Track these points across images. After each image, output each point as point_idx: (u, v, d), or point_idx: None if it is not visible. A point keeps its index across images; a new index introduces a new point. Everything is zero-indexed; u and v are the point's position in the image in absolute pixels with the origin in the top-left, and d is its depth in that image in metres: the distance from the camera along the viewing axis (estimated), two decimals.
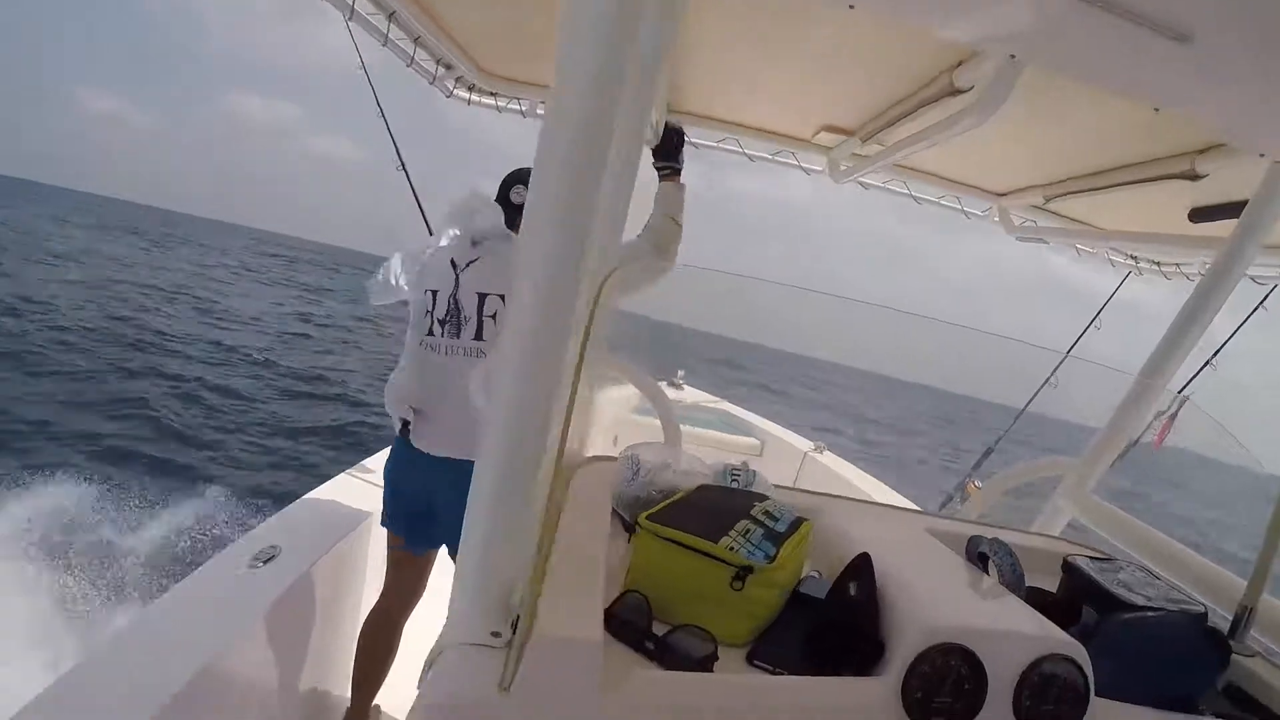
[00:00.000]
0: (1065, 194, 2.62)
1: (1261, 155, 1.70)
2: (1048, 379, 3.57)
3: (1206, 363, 3.01)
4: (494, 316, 2.29)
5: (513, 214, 2.35)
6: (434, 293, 2.34)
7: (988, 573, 1.38)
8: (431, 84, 2.83)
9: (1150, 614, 1.28)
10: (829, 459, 4.66)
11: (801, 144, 2.94)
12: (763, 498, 1.38)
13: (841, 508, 1.67)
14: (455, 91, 3.00)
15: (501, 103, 3.05)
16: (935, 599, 1.16)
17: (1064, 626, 1.17)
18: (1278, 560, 1.40)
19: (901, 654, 1.03)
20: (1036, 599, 1.39)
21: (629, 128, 1.15)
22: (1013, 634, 1.08)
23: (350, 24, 2.42)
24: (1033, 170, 2.71)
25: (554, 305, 0.90)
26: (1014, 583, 1.34)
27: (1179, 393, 3.04)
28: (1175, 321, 2.00)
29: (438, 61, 2.72)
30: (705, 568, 1.16)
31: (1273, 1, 1.04)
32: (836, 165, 2.93)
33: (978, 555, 1.42)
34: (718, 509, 1.29)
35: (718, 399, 5.77)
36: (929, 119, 2.00)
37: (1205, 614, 1.33)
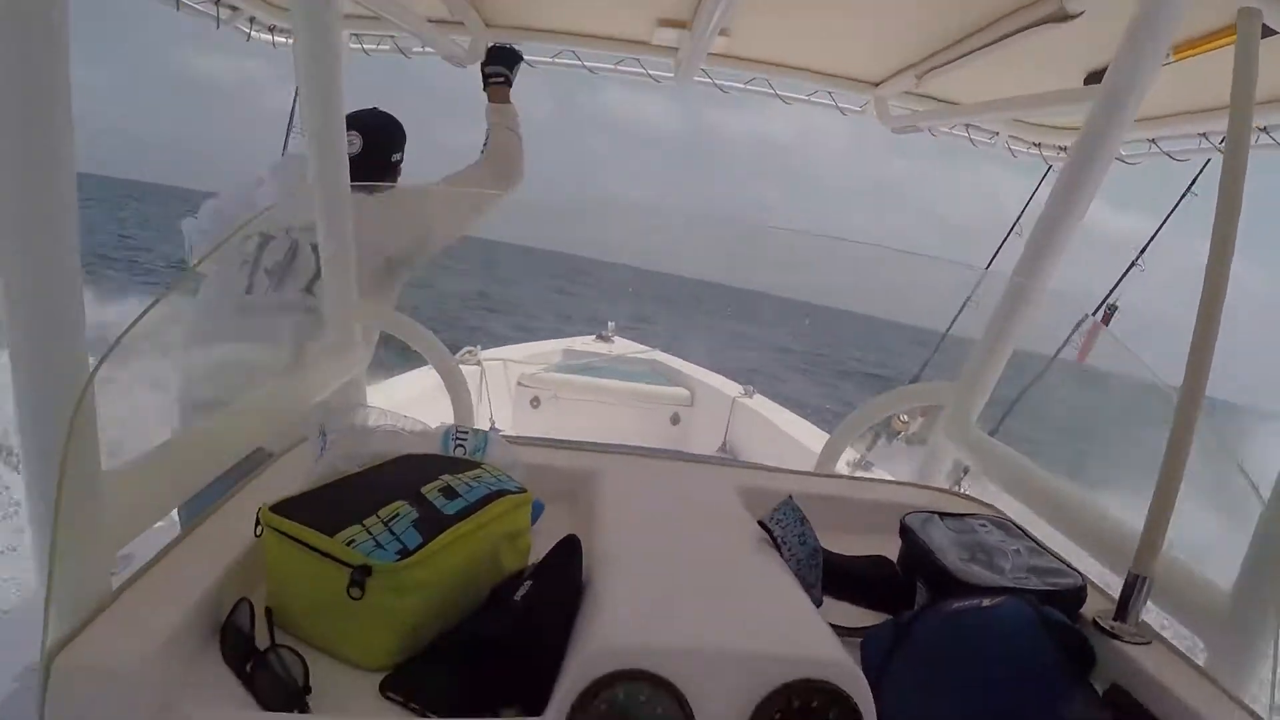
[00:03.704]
0: (937, 67, 2.31)
1: None
2: (969, 296, 3.27)
3: (1132, 264, 2.74)
4: None
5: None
6: (267, 237, 2.03)
7: (779, 549, 1.05)
8: (217, 29, 2.51)
9: (968, 605, 0.95)
10: (758, 402, 4.45)
11: (641, 46, 2.63)
12: (468, 466, 1.08)
13: (639, 466, 1.38)
14: (254, 34, 2.70)
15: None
16: (647, 601, 0.85)
17: (896, 610, 0.94)
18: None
19: (567, 686, 0.72)
20: (875, 573, 1.13)
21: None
22: (742, 654, 0.75)
23: None
24: (903, 49, 2.42)
25: None
26: (805, 560, 1.02)
27: (1103, 301, 2.77)
28: (1046, 209, 1.67)
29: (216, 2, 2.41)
30: (322, 569, 0.86)
31: None
32: (683, 64, 2.61)
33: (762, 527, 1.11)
34: (378, 487, 0.98)
35: (647, 349, 5.59)
36: None
37: (1076, 591, 1.03)
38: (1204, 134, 2.30)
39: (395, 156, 2.27)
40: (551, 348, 5.21)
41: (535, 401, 4.49)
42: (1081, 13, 1.68)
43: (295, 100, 3.08)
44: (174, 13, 2.39)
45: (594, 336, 5.66)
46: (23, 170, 0.73)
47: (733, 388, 4.62)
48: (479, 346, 4.45)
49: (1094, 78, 2.16)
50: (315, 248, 1.96)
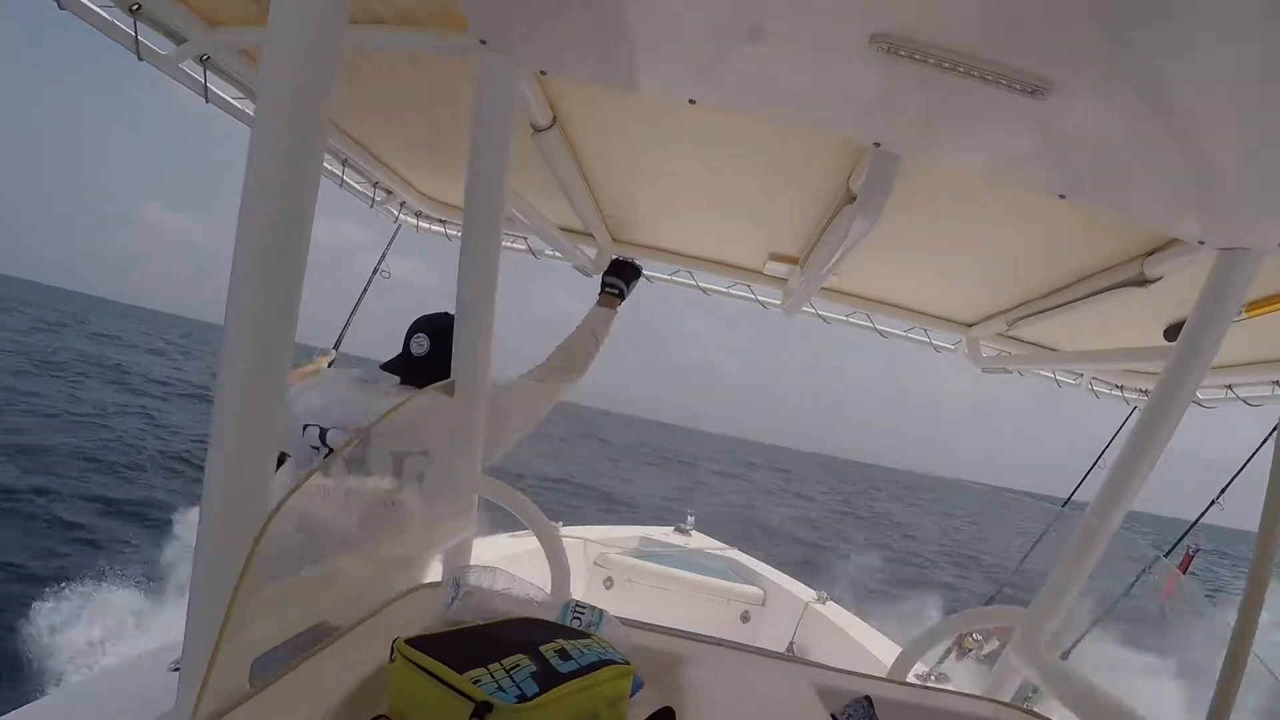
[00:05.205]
0: (1026, 316, 2.47)
1: (1201, 243, 1.56)
2: (1046, 529, 3.29)
3: (1213, 502, 2.74)
4: (419, 477, 2.08)
5: (412, 364, 2.08)
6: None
7: None
8: (371, 208, 2.85)
9: None
10: (831, 609, 4.41)
11: (753, 274, 2.86)
12: (580, 635, 1.18)
13: (724, 657, 1.46)
14: (401, 217, 3.03)
15: (451, 230, 3.06)
16: None
17: None
18: None
19: None
20: None
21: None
22: None
23: None
24: (996, 297, 2.59)
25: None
26: None
27: (1178, 541, 2.77)
28: (1122, 454, 1.77)
29: (375, 185, 2.75)
30: (446, 701, 0.96)
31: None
32: (792, 296, 2.83)
33: None
34: (502, 639, 1.10)
35: (725, 546, 5.61)
36: (835, 235, 1.90)
37: None
38: (1277, 381, 2.44)
39: None
40: (630, 533, 5.27)
41: (609, 582, 4.54)
42: (1160, 278, 1.83)
43: (364, 290, 3.42)
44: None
45: (673, 528, 5.72)
46: (251, 343, 0.95)
47: (807, 592, 4.59)
48: (559, 523, 4.53)
49: (1172, 332, 2.30)
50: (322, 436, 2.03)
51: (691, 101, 1.41)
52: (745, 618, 4.56)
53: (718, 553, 5.41)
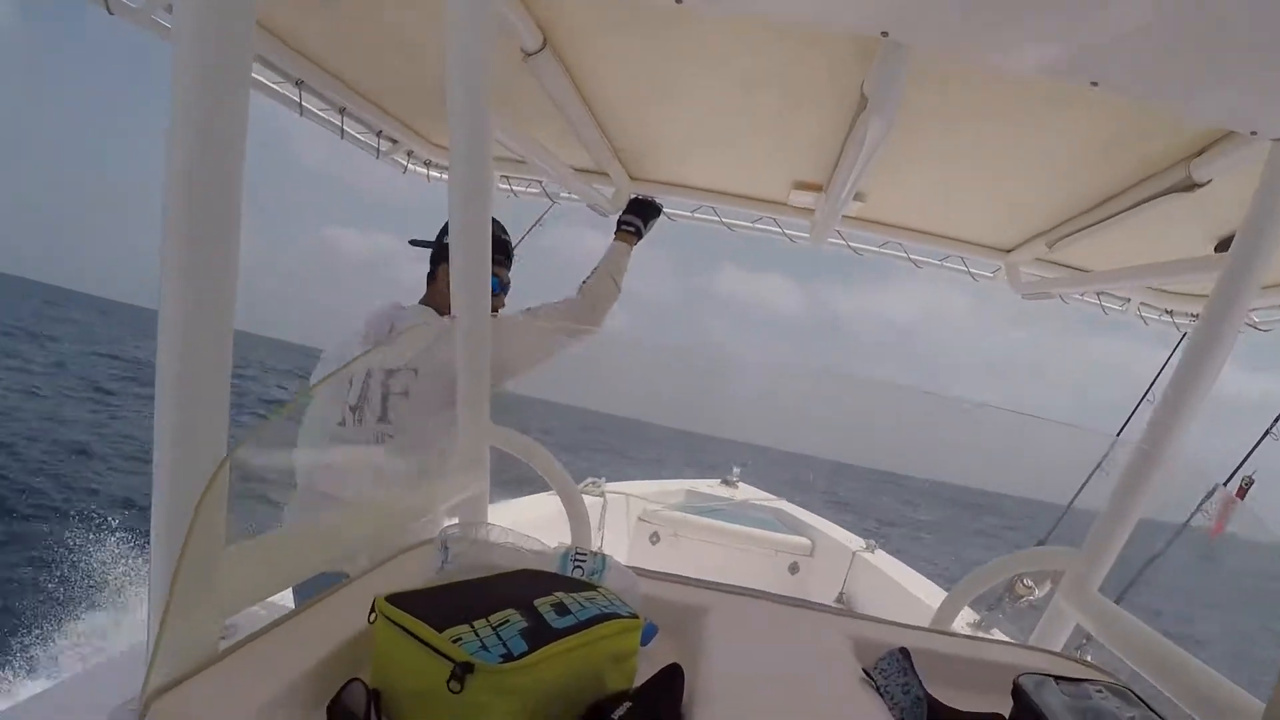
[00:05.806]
0: (1068, 235, 2.31)
1: (1253, 133, 1.38)
2: (1099, 463, 3.10)
3: (1266, 432, 2.54)
4: (405, 393, 2.10)
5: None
6: (350, 378, 2.18)
7: (882, 697, 1.05)
8: (377, 159, 2.76)
9: None
10: (880, 558, 4.31)
11: (779, 206, 2.72)
12: (585, 587, 1.09)
13: (751, 608, 1.36)
14: (410, 166, 2.94)
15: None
16: None
17: None
18: None
19: None
20: None
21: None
22: None
23: None
24: (1034, 217, 2.44)
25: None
26: (908, 710, 1.00)
27: (1234, 471, 2.59)
28: (1175, 376, 1.61)
29: (378, 134, 2.66)
30: (426, 662, 0.87)
31: None
32: (818, 226, 2.69)
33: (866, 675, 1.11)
34: (494, 594, 1.00)
35: (772, 497, 5.53)
36: (854, 149, 1.76)
37: None
38: None
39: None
40: (676, 487, 5.22)
41: (655, 537, 4.49)
42: (1209, 181, 1.67)
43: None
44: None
45: (719, 481, 5.66)
46: (190, 288, 0.84)
47: (855, 541, 4.51)
48: (603, 478, 4.52)
49: (1224, 245, 2.13)
50: (384, 381, 2.11)
51: (678, 1, 1.27)
52: (794, 569, 4.49)
53: (765, 504, 5.34)
